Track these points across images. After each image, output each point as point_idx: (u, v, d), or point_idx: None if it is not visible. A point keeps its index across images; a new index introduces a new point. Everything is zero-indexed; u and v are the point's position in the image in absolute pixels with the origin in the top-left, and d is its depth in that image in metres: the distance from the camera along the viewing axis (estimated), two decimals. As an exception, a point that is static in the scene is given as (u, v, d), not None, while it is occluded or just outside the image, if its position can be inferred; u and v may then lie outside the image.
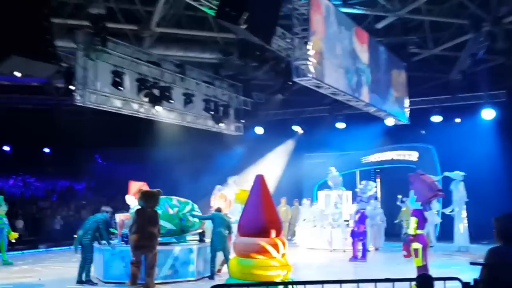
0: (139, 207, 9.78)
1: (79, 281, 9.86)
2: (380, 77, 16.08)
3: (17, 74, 15.87)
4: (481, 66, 16.94)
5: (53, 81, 16.41)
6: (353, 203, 14.95)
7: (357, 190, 14.42)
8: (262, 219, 5.53)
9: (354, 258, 13.58)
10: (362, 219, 13.79)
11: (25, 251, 13.09)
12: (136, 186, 11.72)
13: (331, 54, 12.95)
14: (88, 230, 9.95)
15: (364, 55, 14.95)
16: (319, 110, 21.23)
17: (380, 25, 15.67)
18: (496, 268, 3.85)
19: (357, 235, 13.73)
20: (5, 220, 13.03)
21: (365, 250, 13.61)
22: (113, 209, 16.42)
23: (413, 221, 9.27)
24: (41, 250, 15.82)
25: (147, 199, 9.58)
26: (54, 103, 20.43)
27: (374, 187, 14.01)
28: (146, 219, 9.35)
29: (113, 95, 14.23)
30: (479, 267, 4.01)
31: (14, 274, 11.39)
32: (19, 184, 20.09)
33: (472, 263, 4.15)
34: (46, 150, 25.04)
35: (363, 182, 14.75)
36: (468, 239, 15.74)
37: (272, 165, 20.97)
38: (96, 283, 9.88)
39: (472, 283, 3.84)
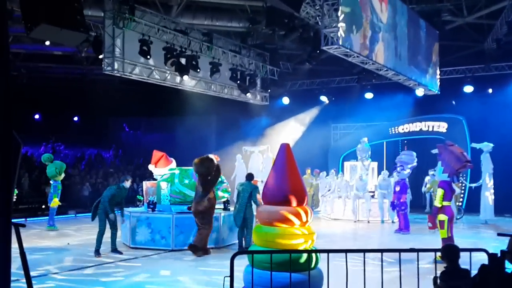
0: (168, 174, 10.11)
1: (97, 250, 9.71)
2: (411, 46, 15.66)
3: (47, 42, 16.17)
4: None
5: (82, 50, 16.58)
6: (392, 173, 14.67)
7: (396, 160, 14.12)
8: (286, 187, 5.52)
9: (399, 229, 13.35)
10: (403, 189, 13.52)
11: (55, 217, 13.50)
12: (157, 156, 11.83)
13: (362, 20, 12.61)
14: (102, 199, 9.86)
15: (384, 14, 14.33)
16: (347, 80, 20.93)
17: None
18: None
19: (398, 206, 13.52)
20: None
21: (407, 221, 13.35)
22: (140, 177, 16.80)
23: (439, 192, 9.16)
24: (70, 215, 16.29)
25: (197, 165, 9.90)
26: (83, 72, 20.71)
27: (415, 158, 13.69)
28: (198, 185, 9.89)
29: (141, 63, 14.30)
30: (505, 240, 3.94)
31: (45, 239, 11.76)
32: (49, 151, 20.52)
33: (499, 234, 4.08)
34: (75, 118, 25.49)
35: (404, 151, 14.46)
36: (493, 211, 15.52)
37: (298, 135, 20.93)
38: (121, 252, 9.86)
39: (499, 255, 3.77)
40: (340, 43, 11.70)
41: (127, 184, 10.02)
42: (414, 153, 13.88)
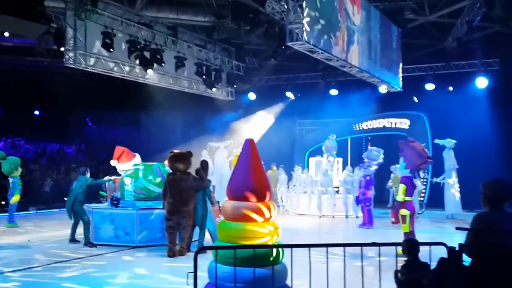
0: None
1: (72, 240, 10.25)
2: (374, 43, 15.92)
3: (6, 33, 15.67)
4: (476, 34, 16.79)
5: (43, 42, 16.14)
6: (359, 168, 14.83)
7: (363, 156, 14.33)
8: (250, 183, 5.50)
9: (363, 224, 13.56)
10: (368, 185, 13.73)
11: (15, 213, 13.12)
12: (119, 151, 11.56)
13: (324, 18, 12.73)
14: (76, 195, 10.03)
15: (356, 18, 14.71)
16: (312, 77, 21.10)
17: (376, -11, 15.43)
18: (481, 233, 3.88)
19: (363, 201, 13.73)
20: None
21: (371, 216, 13.56)
22: (103, 173, 16.51)
23: (401, 188, 9.34)
24: (31, 212, 15.86)
25: (177, 162, 9.45)
26: (44, 65, 20.14)
27: (382, 154, 13.92)
28: (177, 182, 9.26)
29: (104, 57, 14.02)
30: (466, 233, 4.04)
31: (5, 235, 11.43)
32: (9, 146, 19.96)
33: (458, 228, 4.18)
34: (36, 112, 24.81)
35: (372, 148, 14.66)
36: (460, 206, 15.91)
37: (264, 131, 20.99)
38: (96, 245, 10.00)
39: (457, 248, 3.87)
40: (306, 39, 11.75)
41: (88, 175, 10.34)
42: (382, 150, 14.12)
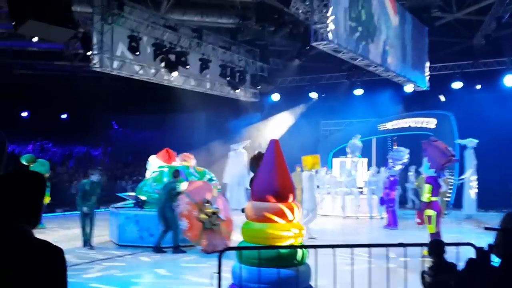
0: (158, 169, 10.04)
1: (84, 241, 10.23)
2: (401, 42, 15.80)
3: (34, 38, 16.02)
4: (505, 31, 16.42)
5: (70, 46, 16.44)
6: (386, 169, 14.65)
7: (388, 156, 14.19)
8: (275, 183, 5.49)
9: (388, 225, 13.45)
10: (392, 185, 13.59)
11: (42, 215, 13.38)
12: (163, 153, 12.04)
13: (350, 16, 12.68)
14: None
15: (394, 21, 14.84)
16: (337, 77, 20.95)
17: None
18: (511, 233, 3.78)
19: (387, 202, 13.60)
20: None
21: (395, 217, 13.43)
22: (129, 175, 16.71)
23: (427, 188, 9.20)
24: (57, 214, 16.15)
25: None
26: (71, 69, 20.54)
27: (407, 154, 13.76)
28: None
29: (130, 60, 14.19)
30: (490, 233, 3.95)
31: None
32: (37, 149, 20.39)
33: (487, 228, 4.09)
34: (64, 116, 25.29)
35: (399, 148, 14.49)
36: (475, 206, 15.66)
37: (288, 132, 20.94)
38: (93, 247, 10.06)
39: (486, 249, 3.78)
40: (330, 38, 11.69)
41: (94, 178, 10.18)
42: (407, 150, 13.93)
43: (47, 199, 13.12)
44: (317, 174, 18.11)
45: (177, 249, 9.74)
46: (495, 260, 3.83)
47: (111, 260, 9.07)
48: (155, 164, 11.84)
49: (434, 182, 9.23)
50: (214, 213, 9.88)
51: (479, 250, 3.85)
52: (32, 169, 13.05)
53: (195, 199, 9.87)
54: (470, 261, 3.95)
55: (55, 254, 1.91)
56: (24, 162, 13.10)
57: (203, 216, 9.74)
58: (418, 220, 9.57)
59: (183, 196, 9.76)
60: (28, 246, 1.89)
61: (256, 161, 9.21)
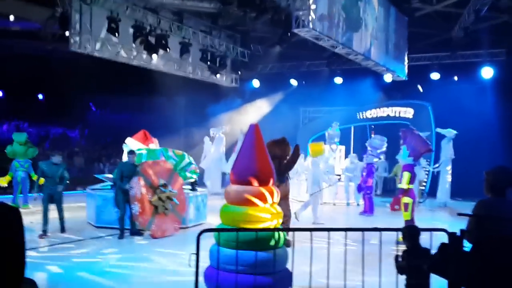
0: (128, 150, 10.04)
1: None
2: (385, 34, 15.96)
3: (11, 17, 15.66)
4: (483, 24, 16.65)
5: (47, 26, 16.09)
6: (362, 156, 14.81)
7: (366, 144, 14.35)
8: (254, 167, 5.53)
9: (364, 212, 13.62)
10: (370, 173, 13.76)
11: (19, 195, 13.21)
12: (140, 134, 11.86)
13: (335, 4, 12.74)
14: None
15: (379, 11, 14.98)
16: (317, 64, 21.02)
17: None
18: (483, 219, 3.90)
19: (364, 189, 13.77)
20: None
21: (372, 204, 13.61)
22: (107, 157, 16.55)
23: (406, 175, 9.36)
24: (32, 194, 15.92)
25: (273, 148, 8.72)
26: (48, 49, 20.11)
27: (385, 143, 13.95)
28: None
29: (109, 42, 14.00)
30: (463, 221, 4.07)
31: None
32: (12, 129, 20.04)
33: (459, 214, 4.21)
34: (40, 96, 24.86)
35: (376, 136, 14.63)
36: (449, 195, 16.04)
37: (267, 118, 20.98)
38: (46, 236, 9.41)
39: (458, 234, 3.89)
40: (311, 26, 11.70)
41: (55, 159, 9.65)
42: (385, 138, 14.11)
43: (41, 180, 12.82)
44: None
45: (122, 233, 9.43)
46: (467, 245, 3.96)
47: (88, 241, 9.04)
48: (132, 145, 11.68)
49: (412, 170, 9.40)
50: (168, 197, 9.65)
51: (451, 235, 3.97)
52: (19, 149, 12.89)
53: (151, 181, 9.56)
54: (442, 246, 4.07)
55: (12, 212, 2.01)
56: (16, 139, 12.91)
57: (156, 200, 9.48)
58: (397, 207, 9.73)
59: (139, 178, 9.40)
60: None
61: (278, 146, 9.15)
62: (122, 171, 9.57)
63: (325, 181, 12.69)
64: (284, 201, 8.62)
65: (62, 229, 9.73)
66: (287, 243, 7.96)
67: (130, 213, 9.48)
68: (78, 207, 12.61)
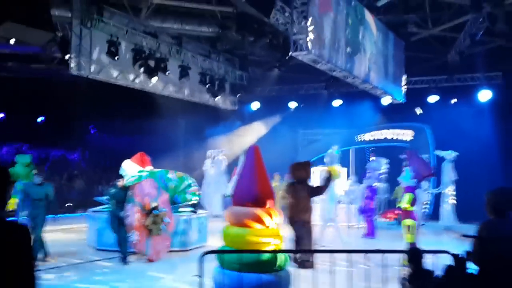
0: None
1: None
2: (384, 59, 16.15)
3: (11, 41, 15.78)
4: (479, 48, 16.87)
5: (48, 50, 16.24)
6: (362, 178, 14.81)
7: (366, 167, 14.39)
8: (255, 189, 5.54)
9: (367, 235, 13.45)
10: (371, 195, 13.71)
11: (17, 218, 13.13)
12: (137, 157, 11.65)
13: (331, 28, 12.88)
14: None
15: (377, 36, 15.18)
16: (315, 87, 21.17)
17: (380, 2, 15.54)
18: (487, 240, 3.90)
19: (365, 212, 13.67)
20: None
21: (373, 227, 13.51)
22: (107, 181, 16.49)
23: (408, 197, 9.35)
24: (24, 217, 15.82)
25: (300, 170, 9.25)
26: (49, 72, 20.24)
27: (385, 164, 14.00)
28: (297, 192, 9.01)
29: (108, 65, 14.11)
30: (467, 243, 4.06)
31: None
32: (12, 151, 20.05)
33: (464, 236, 4.20)
34: (40, 119, 24.90)
35: (376, 158, 14.67)
36: (454, 218, 15.94)
37: (267, 141, 21.02)
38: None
39: (463, 256, 3.89)
40: (309, 49, 11.83)
41: (37, 180, 9.40)
42: (385, 160, 14.16)
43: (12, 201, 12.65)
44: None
45: (125, 257, 9.14)
46: (472, 267, 3.94)
47: (86, 264, 8.96)
48: (129, 168, 11.42)
49: (414, 192, 9.40)
50: (161, 219, 9.52)
51: (456, 257, 3.96)
52: (22, 171, 12.82)
53: (143, 205, 9.38)
54: (448, 268, 4.06)
55: (22, 230, 2.42)
56: (20, 161, 12.80)
57: (150, 223, 9.34)
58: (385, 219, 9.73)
59: (132, 206, 9.16)
60: (2, 226, 2.40)
61: (303, 169, 9.29)
62: (114, 197, 9.34)
63: (340, 203, 12.72)
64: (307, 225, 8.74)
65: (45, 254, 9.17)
66: (308, 265, 7.98)
67: (124, 236, 9.18)
68: (78, 230, 12.54)
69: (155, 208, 9.57)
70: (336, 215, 12.32)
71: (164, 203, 9.92)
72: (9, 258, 2.30)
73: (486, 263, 3.84)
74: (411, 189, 9.42)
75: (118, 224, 9.24)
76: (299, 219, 8.78)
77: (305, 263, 7.61)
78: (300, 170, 9.22)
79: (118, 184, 9.54)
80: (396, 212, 15.13)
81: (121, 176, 9.79)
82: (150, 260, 9.30)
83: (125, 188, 9.49)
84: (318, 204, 15.04)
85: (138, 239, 9.12)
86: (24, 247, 2.38)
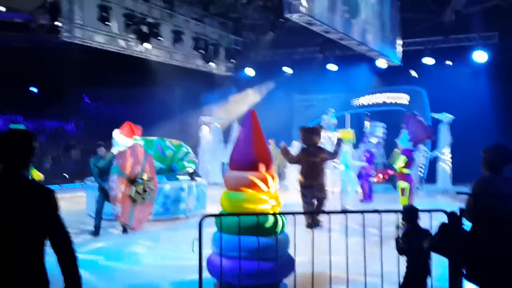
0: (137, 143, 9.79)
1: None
2: (381, 21, 15.91)
3: (1, 8, 15.45)
4: (475, 7, 16.63)
5: (37, 17, 15.92)
6: (360, 143, 14.91)
7: (364, 131, 14.43)
8: (252, 153, 5.53)
9: (364, 199, 13.65)
10: (369, 160, 13.82)
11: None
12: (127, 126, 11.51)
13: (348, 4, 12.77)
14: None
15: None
16: (310, 51, 20.94)
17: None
18: (482, 197, 3.93)
19: (364, 176, 13.79)
20: None
21: (371, 191, 13.70)
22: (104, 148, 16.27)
23: (402, 159, 9.40)
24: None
25: (313, 135, 9.59)
26: (39, 40, 19.88)
27: (382, 128, 14.04)
28: (311, 157, 9.41)
29: (100, 30, 13.85)
30: (462, 203, 4.09)
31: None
32: (7, 123, 19.91)
33: (458, 192, 4.23)
34: (34, 89, 24.63)
35: (373, 122, 14.68)
36: (450, 181, 16.06)
37: (262, 106, 20.95)
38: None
39: (457, 213, 3.92)
40: (304, 10, 11.61)
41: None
42: (382, 124, 14.18)
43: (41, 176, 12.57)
44: (290, 148, 18.26)
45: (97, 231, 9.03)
46: (467, 224, 3.99)
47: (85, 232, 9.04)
48: (121, 139, 11.28)
49: (410, 155, 9.45)
50: (145, 190, 9.28)
51: (450, 214, 4.00)
52: None
53: (128, 174, 9.04)
54: (442, 225, 4.10)
55: (49, 192, 2.74)
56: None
57: (135, 193, 9.07)
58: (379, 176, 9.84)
59: (116, 176, 8.74)
60: (30, 187, 2.73)
61: (313, 134, 9.52)
62: (97, 167, 9.05)
63: (355, 166, 12.86)
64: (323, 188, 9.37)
65: None
66: (318, 223, 8.29)
67: (101, 209, 9.05)
68: (77, 199, 12.62)
69: (140, 177, 9.27)
70: (355, 181, 12.43)
71: (149, 170, 9.65)
72: (44, 215, 2.60)
73: (480, 219, 3.88)
74: (407, 152, 9.47)
75: (99, 195, 9.01)
76: (316, 183, 9.09)
77: (315, 222, 7.94)
78: (314, 135, 9.48)
79: (99, 153, 9.21)
80: (389, 172, 15.27)
81: (100, 145, 9.45)
82: (133, 229, 9.12)
83: (108, 158, 9.13)
84: (335, 170, 15.21)
85: (121, 211, 8.80)
86: (54, 207, 2.69)
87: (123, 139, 11.14)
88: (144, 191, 9.27)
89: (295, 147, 17.77)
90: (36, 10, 14.75)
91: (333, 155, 9.68)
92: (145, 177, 9.33)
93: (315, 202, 9.04)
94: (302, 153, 9.59)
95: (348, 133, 12.71)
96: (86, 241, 8.38)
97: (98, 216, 9.03)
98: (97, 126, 23.08)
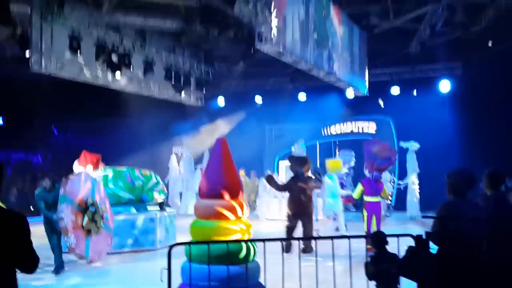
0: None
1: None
2: (350, 53, 16.34)
3: (-32, 38, 15.23)
4: (439, 39, 17.24)
5: (6, 47, 15.75)
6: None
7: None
8: (222, 181, 5.53)
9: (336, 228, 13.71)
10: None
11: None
12: (91, 158, 11.09)
13: (296, 20, 12.96)
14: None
15: (339, 30, 15.34)
16: (281, 82, 21.24)
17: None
18: (447, 220, 4.01)
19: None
20: None
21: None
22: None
23: (358, 187, 9.71)
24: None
25: (301, 165, 9.90)
26: (8, 71, 19.58)
27: (353, 157, 14.27)
28: (300, 186, 9.74)
29: (71, 61, 13.78)
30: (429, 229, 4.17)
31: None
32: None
33: (424, 217, 4.31)
34: (-1, 120, 24.09)
35: (344, 151, 14.86)
36: (419, 208, 16.31)
37: (233, 136, 21.00)
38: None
39: (423, 237, 3.99)
40: (274, 41, 11.85)
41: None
42: (351, 153, 14.39)
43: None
44: (262, 178, 18.28)
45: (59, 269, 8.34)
46: (433, 248, 4.06)
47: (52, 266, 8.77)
48: (77, 170, 10.82)
49: (366, 184, 9.64)
50: (100, 216, 8.88)
51: (417, 238, 4.06)
52: None
53: (78, 203, 8.58)
54: (410, 249, 4.16)
55: (20, 219, 2.78)
56: None
57: (88, 223, 8.61)
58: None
59: (65, 206, 8.24)
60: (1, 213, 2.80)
61: (304, 163, 9.77)
62: (44, 201, 8.43)
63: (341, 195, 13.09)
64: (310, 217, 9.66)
65: None
66: (308, 250, 8.29)
67: (57, 244, 8.41)
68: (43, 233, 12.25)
69: (92, 204, 8.88)
70: (341, 209, 12.67)
71: (101, 198, 9.26)
72: (10, 241, 2.65)
73: (446, 242, 3.96)
74: (363, 181, 9.74)
75: (50, 229, 8.42)
76: (305, 211, 9.53)
77: (306, 249, 7.99)
78: (303, 164, 9.83)
79: (43, 184, 8.66)
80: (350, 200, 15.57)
81: (46, 176, 9.02)
82: (92, 262, 8.73)
83: (53, 188, 8.54)
84: (320, 198, 15.25)
85: (75, 242, 8.29)
86: (22, 231, 2.73)
87: (79, 169, 10.68)
88: (98, 219, 8.85)
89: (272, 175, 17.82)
90: (5, 40, 14.58)
91: (320, 184, 10.10)
92: (96, 203, 8.89)
93: (301, 227, 9.29)
94: (293, 181, 9.91)
95: (336, 163, 12.91)
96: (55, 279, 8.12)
97: (57, 251, 8.37)
98: (66, 158, 22.53)
